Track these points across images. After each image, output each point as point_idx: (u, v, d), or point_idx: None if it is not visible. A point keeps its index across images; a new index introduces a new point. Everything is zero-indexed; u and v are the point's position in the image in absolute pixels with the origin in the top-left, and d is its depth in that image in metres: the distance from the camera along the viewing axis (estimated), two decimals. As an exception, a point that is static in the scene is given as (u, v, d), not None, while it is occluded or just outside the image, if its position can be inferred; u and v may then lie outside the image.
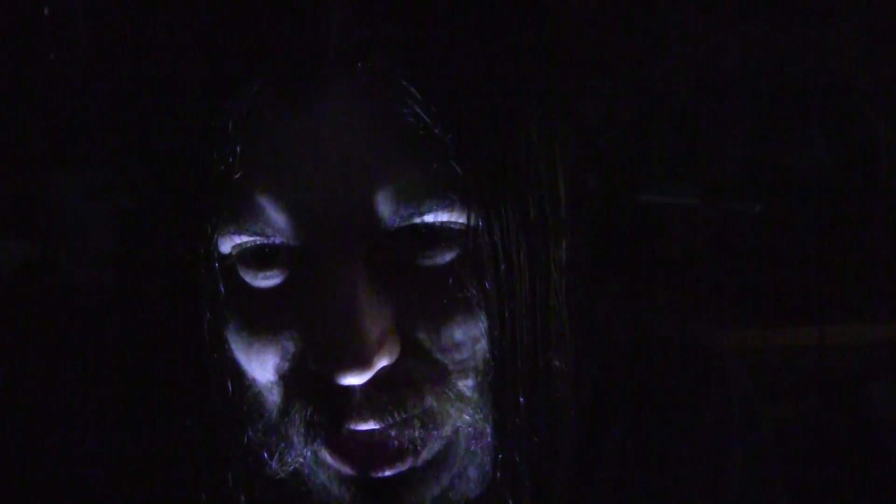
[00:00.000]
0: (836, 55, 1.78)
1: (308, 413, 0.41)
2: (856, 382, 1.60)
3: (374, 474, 0.41)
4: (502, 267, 0.39)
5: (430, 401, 0.41)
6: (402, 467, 0.41)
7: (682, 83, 1.83)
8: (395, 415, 0.40)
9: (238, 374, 0.43)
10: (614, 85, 1.81)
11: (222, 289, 0.41)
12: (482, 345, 0.41)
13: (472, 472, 0.44)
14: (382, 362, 0.39)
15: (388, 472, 0.41)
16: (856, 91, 1.77)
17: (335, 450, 0.42)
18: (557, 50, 0.44)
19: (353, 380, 0.39)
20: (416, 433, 0.41)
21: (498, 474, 0.43)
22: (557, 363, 0.43)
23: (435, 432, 0.42)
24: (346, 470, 0.42)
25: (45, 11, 1.47)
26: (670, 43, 1.83)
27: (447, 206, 0.39)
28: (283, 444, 0.42)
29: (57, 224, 1.39)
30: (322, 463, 0.43)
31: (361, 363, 0.38)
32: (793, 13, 1.78)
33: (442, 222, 0.39)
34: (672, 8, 1.84)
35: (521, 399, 0.42)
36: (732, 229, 1.74)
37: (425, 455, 0.42)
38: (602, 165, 1.77)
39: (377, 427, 0.40)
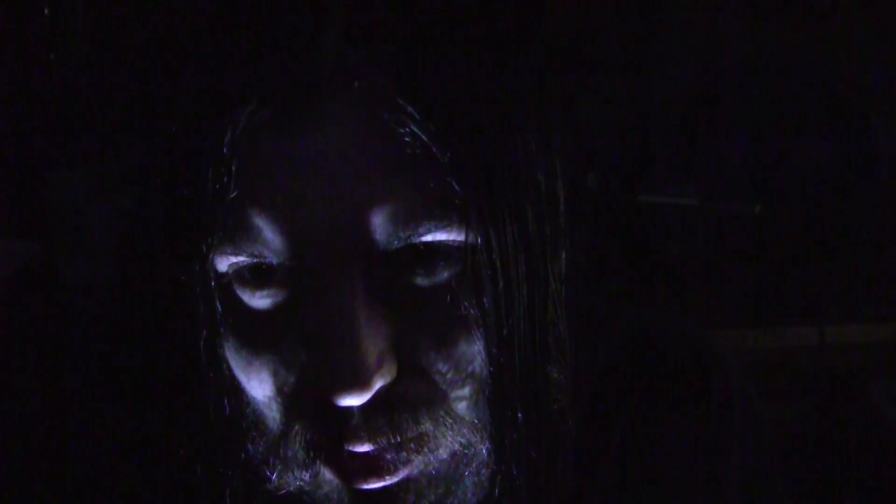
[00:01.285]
0: (836, 55, 1.78)
1: (309, 436, 0.41)
2: (856, 382, 1.60)
3: (369, 486, 0.41)
4: (501, 284, 0.39)
5: (425, 425, 0.41)
6: (396, 479, 0.41)
7: (681, 84, 1.83)
8: (391, 438, 0.40)
9: (237, 391, 0.43)
10: (614, 86, 1.81)
11: (219, 307, 0.40)
12: (479, 363, 0.41)
13: (469, 482, 0.43)
14: (381, 382, 0.39)
15: (385, 482, 0.41)
16: (856, 91, 1.77)
17: (334, 468, 0.42)
18: (555, 56, 0.43)
19: (353, 400, 0.38)
20: (411, 457, 0.41)
21: (496, 490, 0.42)
22: (556, 375, 0.43)
23: (431, 456, 0.41)
24: (343, 483, 0.42)
25: (46, 11, 1.47)
26: (670, 43, 1.83)
27: (445, 226, 0.38)
28: (282, 466, 0.42)
29: (57, 224, 1.39)
30: (322, 479, 0.43)
31: (360, 384, 0.38)
32: (793, 13, 1.78)
33: (440, 241, 0.39)
34: (672, 8, 1.84)
35: (520, 414, 0.41)
36: (732, 229, 1.74)
37: (420, 467, 0.42)
38: (602, 166, 1.77)
39: (373, 449, 0.40)
